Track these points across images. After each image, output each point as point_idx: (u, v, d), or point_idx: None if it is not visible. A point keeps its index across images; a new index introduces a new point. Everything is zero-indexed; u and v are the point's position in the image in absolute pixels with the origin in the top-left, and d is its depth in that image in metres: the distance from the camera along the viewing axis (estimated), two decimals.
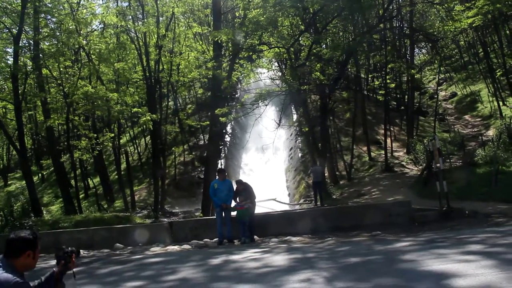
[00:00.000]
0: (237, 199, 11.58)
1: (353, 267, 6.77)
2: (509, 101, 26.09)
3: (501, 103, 28.94)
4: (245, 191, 11.59)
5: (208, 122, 26.04)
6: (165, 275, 7.49)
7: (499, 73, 31.65)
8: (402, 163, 26.17)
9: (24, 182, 25.26)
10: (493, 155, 18.18)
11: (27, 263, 2.83)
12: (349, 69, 33.49)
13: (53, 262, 3.32)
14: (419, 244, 8.37)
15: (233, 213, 11.70)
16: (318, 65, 22.39)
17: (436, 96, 36.00)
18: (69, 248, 3.09)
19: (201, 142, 35.54)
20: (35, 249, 2.86)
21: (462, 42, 40.63)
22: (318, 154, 23.81)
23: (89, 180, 33.39)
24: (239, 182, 12.13)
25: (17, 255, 2.79)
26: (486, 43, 34.40)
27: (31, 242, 2.85)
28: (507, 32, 32.51)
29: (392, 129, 30.49)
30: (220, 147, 30.33)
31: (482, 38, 33.94)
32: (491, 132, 27.67)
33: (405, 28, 30.53)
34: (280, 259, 8.01)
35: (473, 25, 22.98)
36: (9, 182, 40.34)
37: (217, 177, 12.33)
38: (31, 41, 23.44)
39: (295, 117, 35.82)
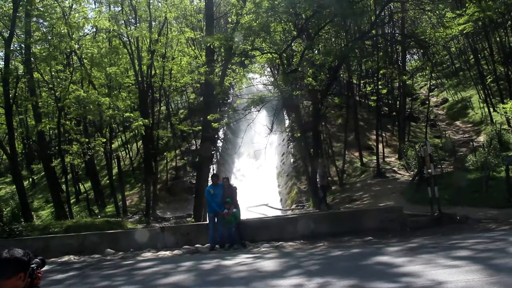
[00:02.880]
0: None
1: (344, 272, 6.77)
2: (499, 107, 26.29)
3: (491, 109, 29.12)
4: (231, 195, 11.62)
5: (200, 127, 25.96)
6: (156, 280, 7.47)
7: (489, 80, 31.92)
8: (394, 168, 26.21)
9: (14, 186, 25.03)
10: (484, 161, 18.31)
11: (17, 286, 2.61)
12: (341, 75, 33.60)
13: None
14: (410, 250, 8.41)
15: None
16: (310, 70, 22.44)
17: (427, 102, 36.20)
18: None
19: (193, 147, 35.37)
20: (27, 271, 2.66)
21: (453, 49, 40.94)
22: (310, 159, 23.83)
23: (80, 185, 33.15)
24: (226, 179, 12.45)
25: (8, 277, 2.51)
26: (477, 49, 34.71)
27: (25, 264, 2.65)
28: (497, 39, 32.84)
29: (383, 134, 30.56)
30: (213, 153, 30.26)
31: (473, 44, 34.25)
32: (481, 138, 27.83)
33: (397, 34, 30.70)
34: (271, 265, 8.02)
35: (464, 32, 23.18)
36: None
37: (210, 183, 12.32)
38: (22, 45, 23.25)
39: (287, 122, 35.83)
